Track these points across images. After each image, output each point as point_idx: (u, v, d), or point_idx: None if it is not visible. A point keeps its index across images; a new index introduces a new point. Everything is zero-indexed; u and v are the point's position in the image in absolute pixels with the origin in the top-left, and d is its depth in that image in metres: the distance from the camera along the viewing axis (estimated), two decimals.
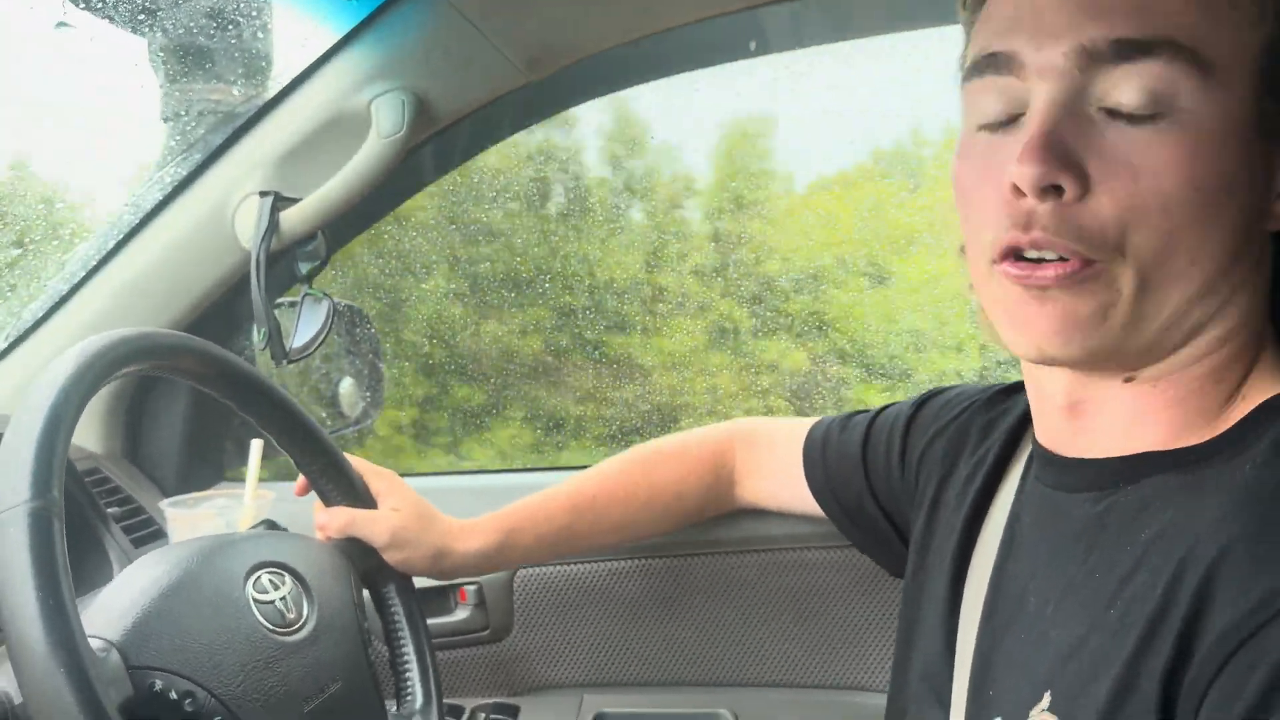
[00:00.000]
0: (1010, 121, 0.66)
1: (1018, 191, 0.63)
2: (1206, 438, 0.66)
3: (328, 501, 1.05)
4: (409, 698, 1.04)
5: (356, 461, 1.09)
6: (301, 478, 1.06)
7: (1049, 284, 0.64)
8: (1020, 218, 0.64)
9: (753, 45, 1.34)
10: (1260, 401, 0.66)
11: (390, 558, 1.05)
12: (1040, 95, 0.64)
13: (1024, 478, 0.80)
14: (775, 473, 1.17)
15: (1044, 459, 0.76)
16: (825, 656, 1.32)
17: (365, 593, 1.05)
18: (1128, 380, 0.69)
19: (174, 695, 0.74)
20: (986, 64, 0.66)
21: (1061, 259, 0.64)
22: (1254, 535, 0.58)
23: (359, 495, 1.06)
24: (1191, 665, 0.57)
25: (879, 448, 1.04)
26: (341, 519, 1.04)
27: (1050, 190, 0.62)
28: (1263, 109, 0.63)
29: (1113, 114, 0.62)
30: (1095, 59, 0.62)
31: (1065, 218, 0.62)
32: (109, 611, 0.76)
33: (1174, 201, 0.61)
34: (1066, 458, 0.73)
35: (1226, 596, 0.57)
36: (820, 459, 1.10)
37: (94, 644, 0.71)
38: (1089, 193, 0.62)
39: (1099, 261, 0.63)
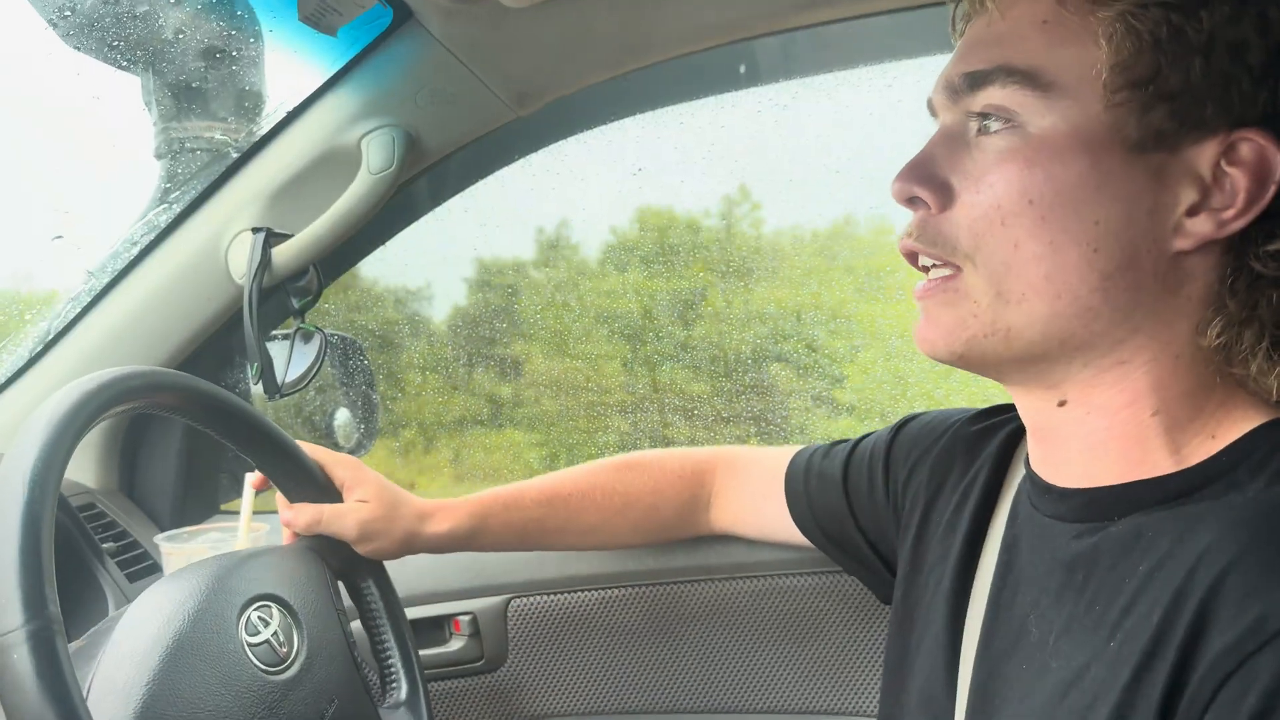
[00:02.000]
0: None
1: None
2: (1179, 469, 0.67)
3: (291, 498, 1.04)
4: (394, 688, 1.05)
5: (317, 451, 1.07)
6: (258, 474, 1.04)
7: (922, 295, 0.74)
8: (905, 229, 0.75)
9: (742, 69, 1.36)
10: (1238, 436, 0.66)
11: (362, 550, 1.05)
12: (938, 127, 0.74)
13: (1016, 503, 0.81)
14: (754, 499, 1.17)
15: (1038, 486, 0.76)
16: (818, 681, 1.32)
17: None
18: (1061, 404, 0.72)
19: None
20: (928, 109, 0.77)
21: (939, 273, 0.73)
22: (1247, 562, 0.59)
23: (322, 489, 1.05)
24: (1186, 692, 0.58)
25: (860, 475, 1.04)
26: (307, 516, 1.03)
27: (918, 203, 0.72)
28: (1126, 122, 0.64)
29: (977, 137, 0.70)
30: (957, 93, 0.71)
31: (927, 226, 0.72)
32: (115, 692, 0.76)
33: (1009, 212, 0.67)
34: (1058, 486, 0.74)
35: (1219, 624, 0.58)
36: (803, 488, 1.10)
37: None
38: (953, 205, 0.70)
39: (958, 274, 0.71)
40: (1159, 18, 0.63)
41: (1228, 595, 0.58)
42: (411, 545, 1.08)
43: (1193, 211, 0.65)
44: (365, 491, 1.06)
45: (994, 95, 0.68)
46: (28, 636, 0.64)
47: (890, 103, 1.46)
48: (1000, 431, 0.88)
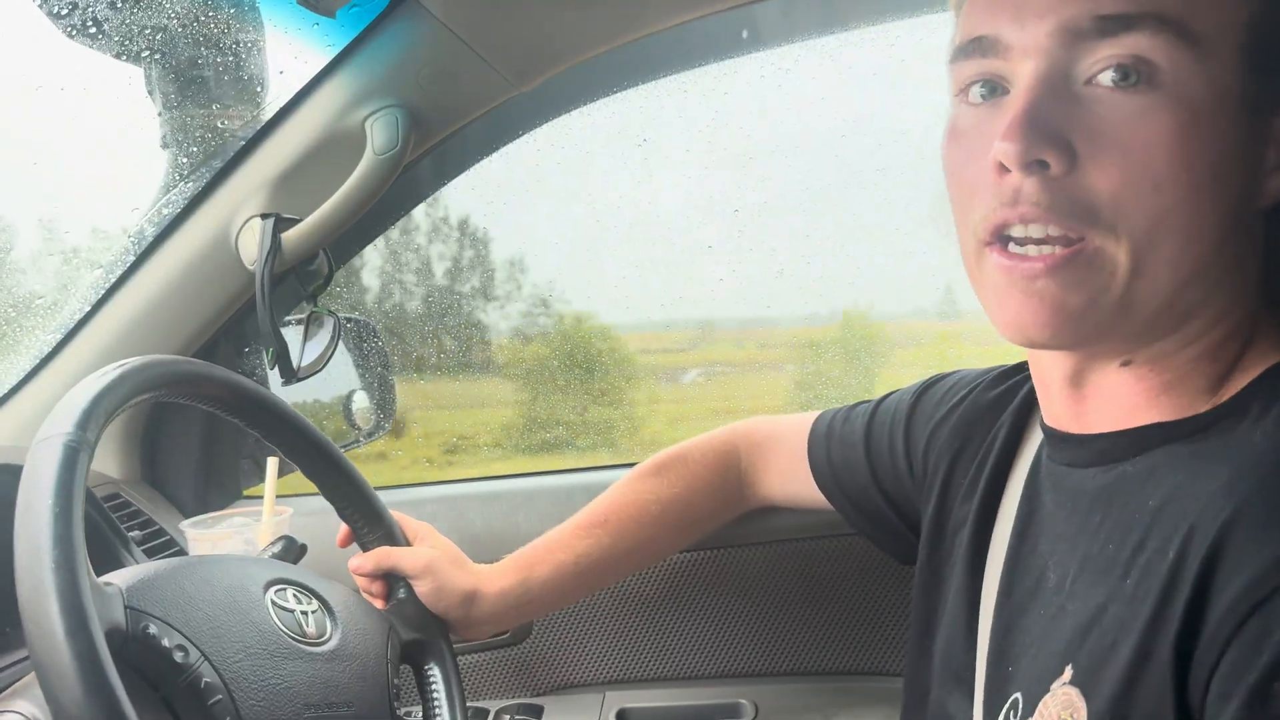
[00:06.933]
0: (996, 102, 0.67)
1: (1002, 169, 0.64)
2: (1207, 408, 0.67)
3: (365, 546, 1.06)
4: None
5: (393, 514, 1.09)
6: (344, 528, 1.07)
7: (1038, 275, 0.64)
8: (1007, 195, 0.64)
9: (745, 34, 1.35)
10: (1260, 371, 0.66)
11: (422, 588, 1.04)
12: (1025, 74, 0.64)
13: (1036, 458, 0.81)
14: (783, 469, 1.17)
15: (1054, 437, 0.76)
16: (840, 643, 1.33)
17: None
18: (1125, 364, 0.70)
19: (165, 643, 0.75)
20: (973, 47, 0.67)
21: (1050, 248, 0.64)
22: (1261, 501, 0.58)
23: (395, 540, 1.06)
24: (1203, 633, 0.57)
25: (882, 438, 1.04)
26: (377, 555, 1.04)
27: (1036, 165, 0.62)
28: (1249, 85, 0.63)
29: (1100, 89, 0.62)
30: (1079, 37, 0.62)
31: (1053, 192, 0.62)
32: (125, 574, 0.79)
33: (1165, 179, 0.61)
34: (1076, 434, 0.74)
35: (1235, 563, 0.57)
36: (825, 452, 1.10)
37: (100, 581, 0.73)
38: (1076, 168, 0.62)
39: (1089, 243, 0.63)
40: None
41: (1240, 535, 0.58)
42: (472, 606, 1.05)
43: (1271, 171, 0.66)
44: (435, 543, 1.08)
45: (1139, 44, 0.60)
46: (64, 444, 0.71)
47: (895, 61, 1.45)
48: (1020, 391, 0.88)
